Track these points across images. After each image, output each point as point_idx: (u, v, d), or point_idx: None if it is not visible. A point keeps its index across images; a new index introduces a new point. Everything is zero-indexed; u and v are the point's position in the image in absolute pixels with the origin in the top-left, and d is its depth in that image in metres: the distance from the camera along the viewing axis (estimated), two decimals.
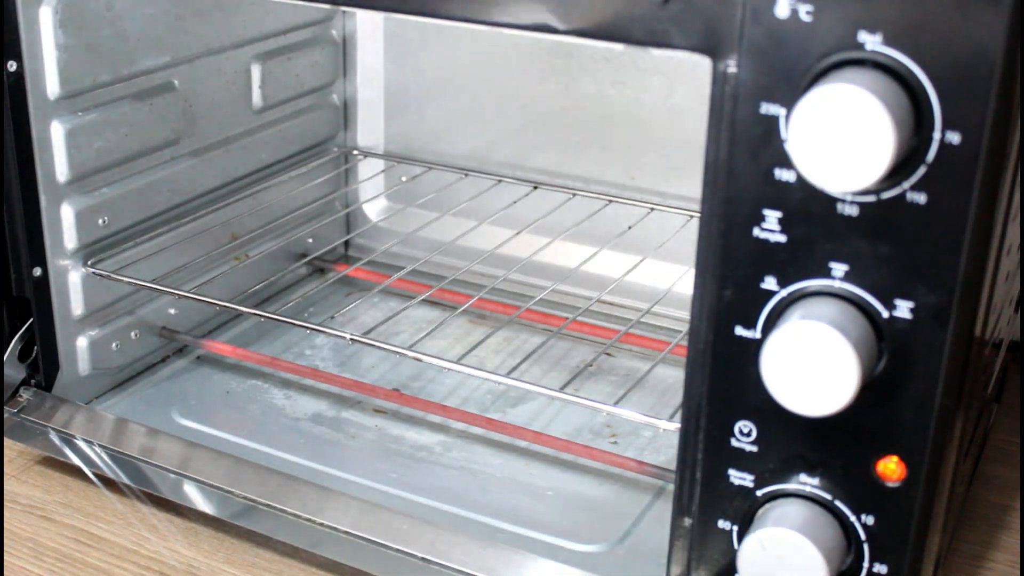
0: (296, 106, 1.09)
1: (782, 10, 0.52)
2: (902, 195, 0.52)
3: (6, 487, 0.85)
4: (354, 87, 1.16)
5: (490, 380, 0.81)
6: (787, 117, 0.53)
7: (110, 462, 0.83)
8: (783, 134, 0.53)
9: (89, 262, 0.88)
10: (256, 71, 1.03)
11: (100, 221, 0.89)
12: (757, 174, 0.55)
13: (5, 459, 0.88)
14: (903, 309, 0.54)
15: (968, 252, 0.52)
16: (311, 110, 1.11)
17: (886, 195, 0.52)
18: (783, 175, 0.54)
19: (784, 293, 0.56)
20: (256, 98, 1.04)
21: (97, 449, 0.84)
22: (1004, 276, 0.64)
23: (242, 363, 0.98)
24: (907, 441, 0.56)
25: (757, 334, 0.57)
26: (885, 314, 0.54)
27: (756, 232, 0.56)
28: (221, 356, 0.99)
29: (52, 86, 0.83)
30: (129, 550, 0.79)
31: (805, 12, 0.51)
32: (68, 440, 0.85)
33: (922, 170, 0.51)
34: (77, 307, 0.89)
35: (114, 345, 0.93)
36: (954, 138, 0.50)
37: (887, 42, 0.50)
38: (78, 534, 0.81)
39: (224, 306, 0.89)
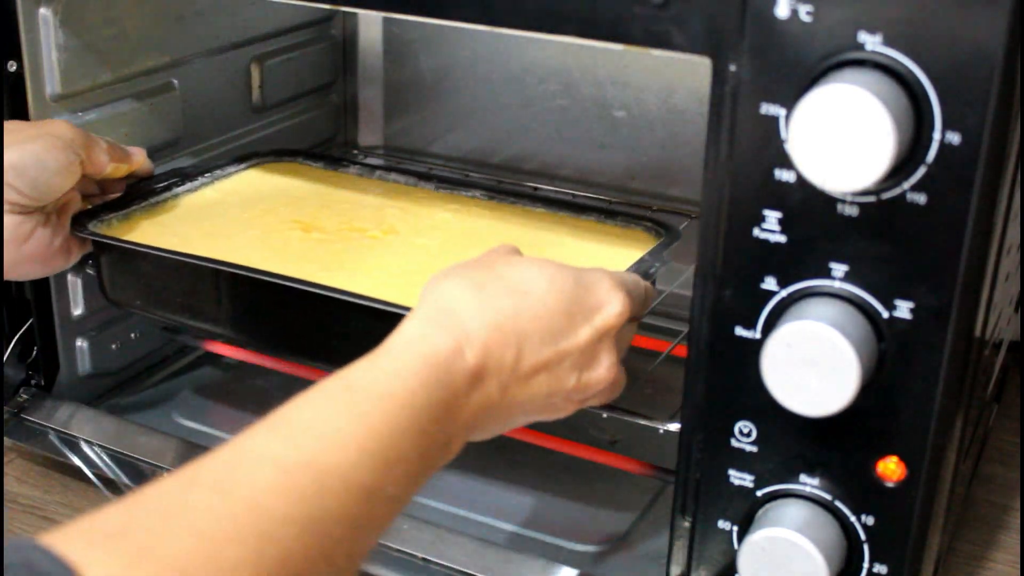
0: (296, 106, 1.09)
1: (782, 10, 0.52)
2: (902, 195, 0.52)
3: (6, 487, 0.85)
4: (354, 87, 1.16)
5: None
6: (787, 117, 0.53)
7: (110, 462, 0.83)
8: (783, 134, 0.53)
9: (89, 262, 0.88)
10: (256, 71, 1.03)
11: None
12: (757, 174, 0.55)
13: (5, 459, 0.88)
14: (903, 309, 0.54)
15: (968, 252, 0.52)
16: (311, 110, 1.11)
17: (886, 195, 0.52)
18: (783, 175, 0.54)
19: (784, 293, 0.56)
20: (256, 98, 1.04)
21: (97, 449, 0.84)
22: (1004, 276, 0.64)
23: (242, 363, 0.98)
24: (907, 441, 0.56)
25: (757, 334, 0.57)
26: (885, 314, 0.54)
27: (756, 232, 0.56)
28: (221, 356, 0.98)
29: (52, 86, 0.83)
30: None
31: (805, 12, 0.51)
32: (68, 440, 0.85)
33: (922, 170, 0.51)
34: (77, 307, 0.89)
35: (114, 345, 0.93)
36: (954, 138, 0.50)
37: (887, 42, 0.50)
38: None
39: None
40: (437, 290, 0.56)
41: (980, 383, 0.65)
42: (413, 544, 0.73)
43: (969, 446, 0.70)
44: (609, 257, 0.78)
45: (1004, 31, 0.48)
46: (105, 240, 0.79)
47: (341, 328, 0.72)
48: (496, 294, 0.56)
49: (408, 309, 0.62)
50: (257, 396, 0.94)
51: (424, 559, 0.72)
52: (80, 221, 0.80)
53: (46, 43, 0.81)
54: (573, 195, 0.93)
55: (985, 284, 0.54)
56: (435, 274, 0.59)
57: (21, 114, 0.81)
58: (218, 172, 0.92)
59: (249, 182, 0.93)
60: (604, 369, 0.59)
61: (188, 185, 0.89)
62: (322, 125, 1.13)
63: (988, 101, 0.49)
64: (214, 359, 0.99)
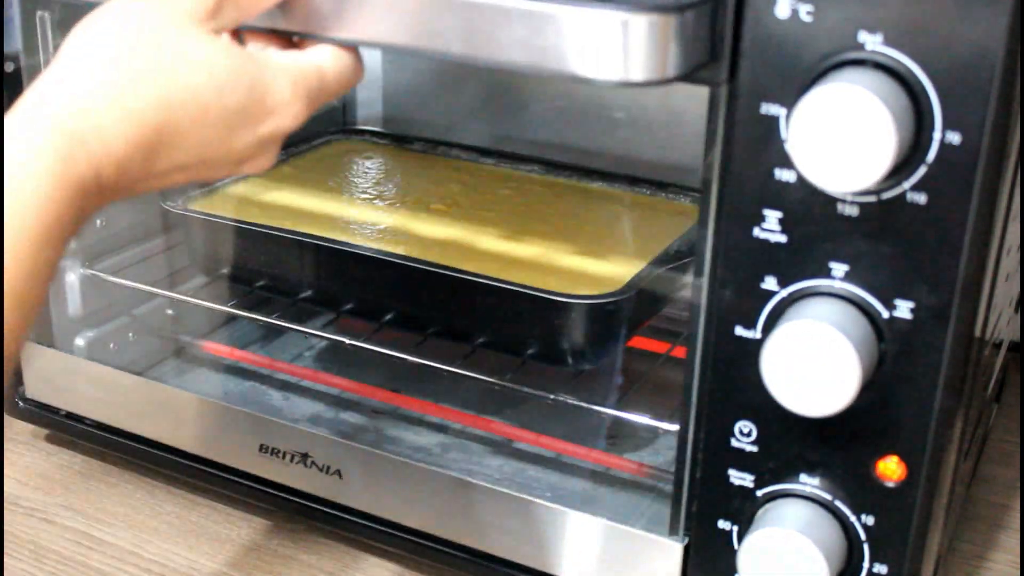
0: None
1: (782, 10, 0.52)
2: (902, 195, 0.52)
3: (7, 490, 0.85)
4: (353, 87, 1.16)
5: (489, 382, 0.81)
6: (787, 117, 0.53)
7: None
8: (783, 134, 0.53)
9: (87, 263, 0.88)
10: None
11: (98, 222, 0.89)
12: (757, 174, 0.55)
13: (6, 462, 0.88)
14: (903, 309, 0.54)
15: (968, 252, 0.52)
16: None
17: (886, 195, 0.52)
18: (783, 175, 0.54)
19: (784, 293, 0.56)
20: None
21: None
22: (1004, 276, 0.64)
23: (240, 364, 0.98)
24: (907, 441, 0.56)
25: (757, 334, 0.57)
26: (885, 314, 0.54)
27: (756, 232, 0.56)
28: (220, 357, 0.98)
29: None
30: (130, 552, 0.79)
31: (805, 12, 0.51)
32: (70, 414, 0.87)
33: (922, 170, 0.51)
34: (75, 308, 0.89)
35: (113, 345, 0.93)
36: (954, 138, 0.50)
37: (887, 42, 0.50)
38: (79, 536, 0.81)
39: (222, 310, 0.89)
40: (77, 90, 0.50)
41: (980, 383, 0.65)
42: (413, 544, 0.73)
43: (969, 446, 0.70)
44: (660, 226, 0.87)
45: (1004, 31, 0.48)
46: (193, 214, 0.86)
47: (407, 293, 0.81)
48: (148, 101, 0.51)
49: (478, 276, 0.73)
50: (257, 397, 0.94)
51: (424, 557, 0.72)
52: (170, 196, 0.86)
53: (44, 45, 0.81)
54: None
55: (985, 284, 0.54)
56: (83, 30, 0.52)
57: None
58: (292, 150, 1.00)
59: (321, 158, 1.00)
60: (259, 165, 0.57)
61: None
62: (321, 125, 1.13)
63: (988, 101, 0.49)
64: (213, 360, 0.99)
